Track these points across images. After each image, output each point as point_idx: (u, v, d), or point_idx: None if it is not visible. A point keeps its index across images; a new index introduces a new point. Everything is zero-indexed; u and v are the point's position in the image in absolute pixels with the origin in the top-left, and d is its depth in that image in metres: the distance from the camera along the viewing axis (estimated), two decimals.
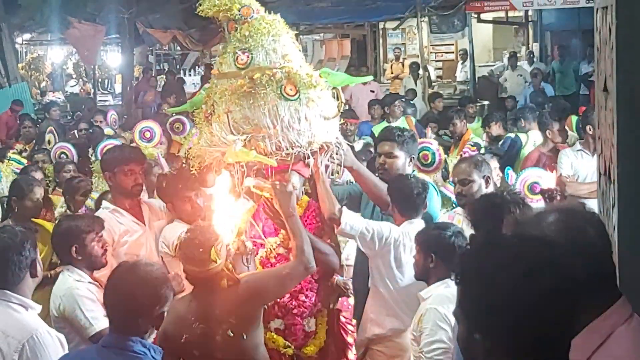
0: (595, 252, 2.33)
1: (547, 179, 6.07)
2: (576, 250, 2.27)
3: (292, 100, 4.45)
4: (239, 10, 4.58)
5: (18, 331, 3.65)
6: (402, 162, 5.33)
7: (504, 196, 4.21)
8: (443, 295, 4.09)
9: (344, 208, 4.81)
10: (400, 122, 10.96)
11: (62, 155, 9.23)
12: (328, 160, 4.69)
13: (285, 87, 4.44)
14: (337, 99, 4.73)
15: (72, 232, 4.58)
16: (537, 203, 5.80)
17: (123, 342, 3.37)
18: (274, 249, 4.76)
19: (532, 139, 9.02)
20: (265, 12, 4.71)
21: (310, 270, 4.38)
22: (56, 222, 5.03)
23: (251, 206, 4.61)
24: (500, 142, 9.32)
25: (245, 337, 4.09)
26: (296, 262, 4.31)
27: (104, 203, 5.61)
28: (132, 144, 8.60)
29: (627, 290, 2.44)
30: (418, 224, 4.88)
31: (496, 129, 9.82)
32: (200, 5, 4.68)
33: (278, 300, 4.66)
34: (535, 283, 1.85)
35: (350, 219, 4.79)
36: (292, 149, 4.46)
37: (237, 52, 4.56)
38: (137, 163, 5.53)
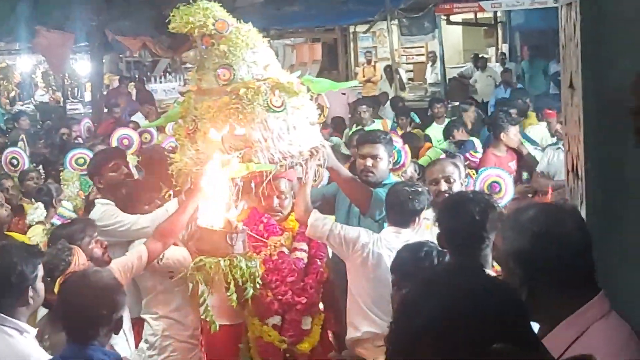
0: (573, 245, 2.33)
1: (506, 179, 6.11)
2: (551, 244, 2.30)
3: (279, 112, 4.44)
4: (214, 25, 4.51)
5: (10, 357, 3.54)
6: (386, 163, 5.39)
7: (469, 195, 4.19)
8: None
9: (314, 210, 4.83)
10: (376, 125, 10.95)
11: (13, 159, 9.13)
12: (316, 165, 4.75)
13: (271, 99, 4.43)
14: (322, 105, 4.80)
15: (67, 240, 4.44)
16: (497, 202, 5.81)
17: (83, 351, 3.31)
18: (277, 247, 4.95)
19: None
20: (238, 21, 4.65)
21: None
22: (52, 231, 4.90)
23: (243, 210, 4.66)
24: (462, 146, 9.28)
25: None
26: None
27: (99, 200, 5.52)
28: None
29: None
30: (404, 236, 4.79)
31: (460, 135, 9.82)
32: (171, 22, 4.56)
33: (281, 297, 4.86)
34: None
35: (317, 221, 4.84)
36: (285, 160, 4.47)
37: (218, 69, 4.51)
38: (118, 157, 5.73)
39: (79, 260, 4.13)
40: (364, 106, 11.57)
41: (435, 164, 5.35)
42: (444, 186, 5.08)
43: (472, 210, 3.78)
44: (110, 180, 5.55)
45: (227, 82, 4.47)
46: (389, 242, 4.75)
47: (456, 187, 5.12)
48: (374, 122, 11.31)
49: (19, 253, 3.70)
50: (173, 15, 4.53)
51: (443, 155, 7.01)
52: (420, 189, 4.92)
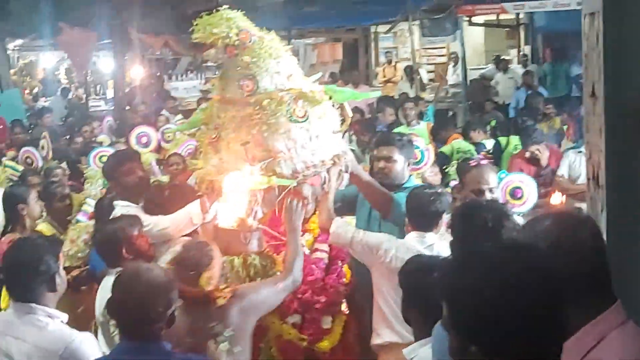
0: (587, 255, 2.34)
1: (529, 185, 6.06)
2: (567, 253, 2.30)
3: (302, 122, 4.46)
4: (237, 36, 4.52)
5: (53, 343, 3.66)
6: (401, 166, 5.35)
7: (483, 203, 4.18)
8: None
9: (336, 218, 4.86)
10: (421, 127, 10.78)
11: (27, 159, 9.22)
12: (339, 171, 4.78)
13: (294, 110, 4.45)
14: (345, 113, 4.83)
15: (119, 234, 4.64)
16: (519, 208, 5.78)
17: (141, 346, 3.37)
18: None
19: (513, 143, 9.05)
20: (261, 30, 4.65)
21: (297, 284, 4.57)
22: (101, 227, 5.06)
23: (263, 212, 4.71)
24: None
25: (242, 348, 4.14)
26: (285, 275, 4.45)
27: (118, 202, 5.51)
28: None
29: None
30: (428, 239, 4.75)
31: (477, 136, 9.78)
32: (195, 32, 4.57)
33: (301, 296, 4.84)
34: (520, 290, 1.87)
35: (339, 228, 4.83)
36: (308, 169, 4.50)
37: (241, 80, 4.53)
38: (131, 161, 5.66)
39: (218, 255, 4.24)
40: (411, 104, 11.44)
41: (474, 171, 5.17)
42: (488, 196, 4.95)
43: (486, 218, 3.76)
44: (125, 184, 5.51)
45: (251, 92, 4.50)
46: (413, 247, 4.68)
47: (497, 194, 5.08)
48: (418, 123, 11.07)
49: (43, 243, 3.94)
50: (196, 25, 4.54)
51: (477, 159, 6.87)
52: (440, 191, 4.90)
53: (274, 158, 4.40)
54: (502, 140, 9.40)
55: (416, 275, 3.75)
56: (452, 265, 2.07)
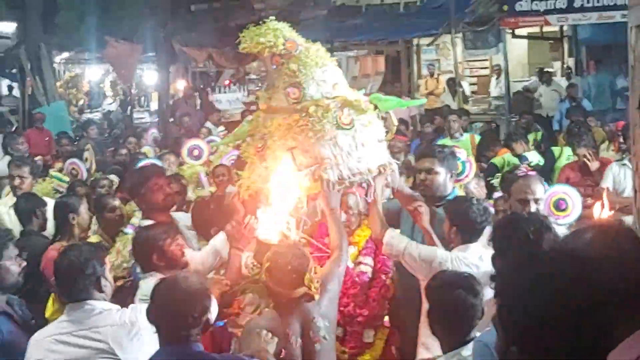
0: (630, 267, 2.34)
1: (574, 196, 6.00)
2: (611, 266, 2.30)
3: (348, 129, 4.51)
4: (284, 45, 4.57)
5: (127, 316, 3.95)
6: (443, 178, 5.31)
7: (524, 215, 4.17)
8: None
9: (390, 229, 4.85)
10: (464, 139, 10.81)
11: (73, 170, 9.38)
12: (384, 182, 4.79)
13: (340, 117, 4.49)
14: (390, 122, 4.87)
15: (150, 242, 4.75)
16: (563, 219, 5.73)
17: (181, 349, 3.51)
18: None
19: (566, 153, 9.00)
20: (306, 40, 4.71)
21: (346, 262, 4.66)
22: (136, 234, 5.15)
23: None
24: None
25: (332, 336, 4.27)
26: (338, 255, 4.52)
27: (143, 222, 5.51)
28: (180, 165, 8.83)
29: None
30: (474, 249, 4.72)
31: (519, 148, 9.71)
32: (242, 42, 4.62)
33: (343, 309, 4.88)
34: (572, 298, 1.90)
35: (392, 239, 4.82)
36: (354, 176, 4.53)
37: (288, 88, 4.58)
38: (158, 176, 5.59)
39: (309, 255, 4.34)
40: (454, 115, 11.40)
41: (521, 181, 5.22)
42: (532, 207, 4.99)
43: (527, 230, 3.75)
44: (151, 202, 5.43)
45: (297, 100, 4.54)
46: (466, 258, 4.62)
47: (542, 207, 5.06)
48: (462, 135, 11.09)
49: (88, 248, 4.20)
50: (243, 36, 4.60)
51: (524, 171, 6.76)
52: (481, 200, 4.89)
53: (320, 164, 4.44)
54: (556, 150, 9.34)
55: (441, 291, 3.77)
56: (506, 268, 2.11)
